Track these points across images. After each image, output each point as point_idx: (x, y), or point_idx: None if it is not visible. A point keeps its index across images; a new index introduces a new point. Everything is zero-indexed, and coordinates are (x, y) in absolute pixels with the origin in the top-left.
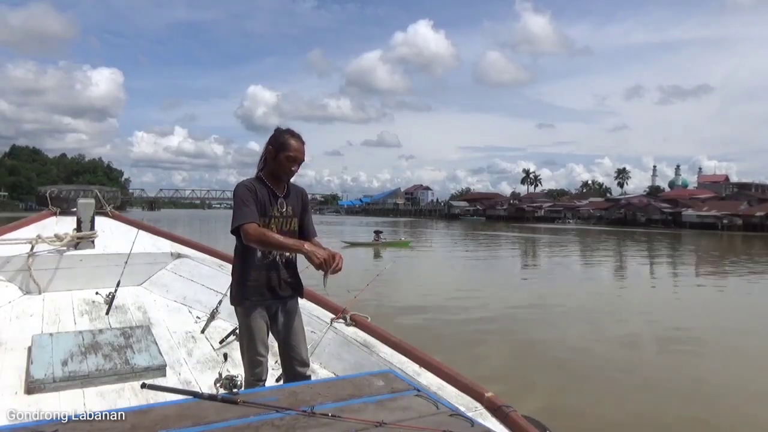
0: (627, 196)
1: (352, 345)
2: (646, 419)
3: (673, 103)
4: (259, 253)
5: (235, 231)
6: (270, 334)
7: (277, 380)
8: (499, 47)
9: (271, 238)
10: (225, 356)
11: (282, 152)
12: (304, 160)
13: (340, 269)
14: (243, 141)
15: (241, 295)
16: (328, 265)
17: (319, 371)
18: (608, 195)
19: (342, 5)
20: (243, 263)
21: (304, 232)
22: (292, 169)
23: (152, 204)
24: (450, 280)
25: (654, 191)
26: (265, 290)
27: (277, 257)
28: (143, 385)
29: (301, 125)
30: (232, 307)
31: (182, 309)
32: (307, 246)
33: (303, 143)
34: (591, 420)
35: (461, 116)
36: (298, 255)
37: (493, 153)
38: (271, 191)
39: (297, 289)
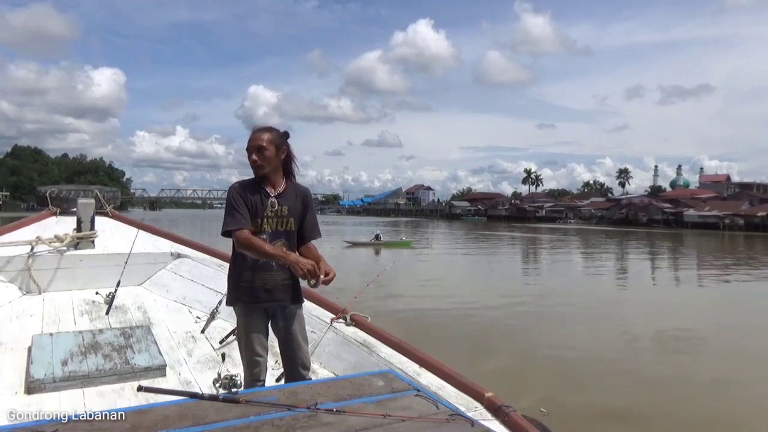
0: (628, 196)
1: (352, 345)
2: (646, 419)
3: (674, 103)
4: None
5: (227, 234)
6: (270, 334)
7: (277, 380)
8: (499, 47)
9: (258, 247)
10: (223, 356)
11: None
12: (261, 146)
13: (329, 282)
14: (244, 141)
15: (234, 296)
16: (313, 276)
17: (319, 371)
18: (609, 195)
19: (343, 5)
20: (236, 264)
21: (304, 232)
22: (252, 158)
23: (153, 204)
24: (450, 280)
25: (655, 191)
26: (259, 292)
27: None
28: (140, 388)
29: (302, 125)
30: (232, 307)
31: (182, 309)
32: (292, 257)
33: (263, 131)
34: (591, 420)
35: (462, 116)
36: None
37: (494, 153)
38: (263, 191)
39: (296, 292)
